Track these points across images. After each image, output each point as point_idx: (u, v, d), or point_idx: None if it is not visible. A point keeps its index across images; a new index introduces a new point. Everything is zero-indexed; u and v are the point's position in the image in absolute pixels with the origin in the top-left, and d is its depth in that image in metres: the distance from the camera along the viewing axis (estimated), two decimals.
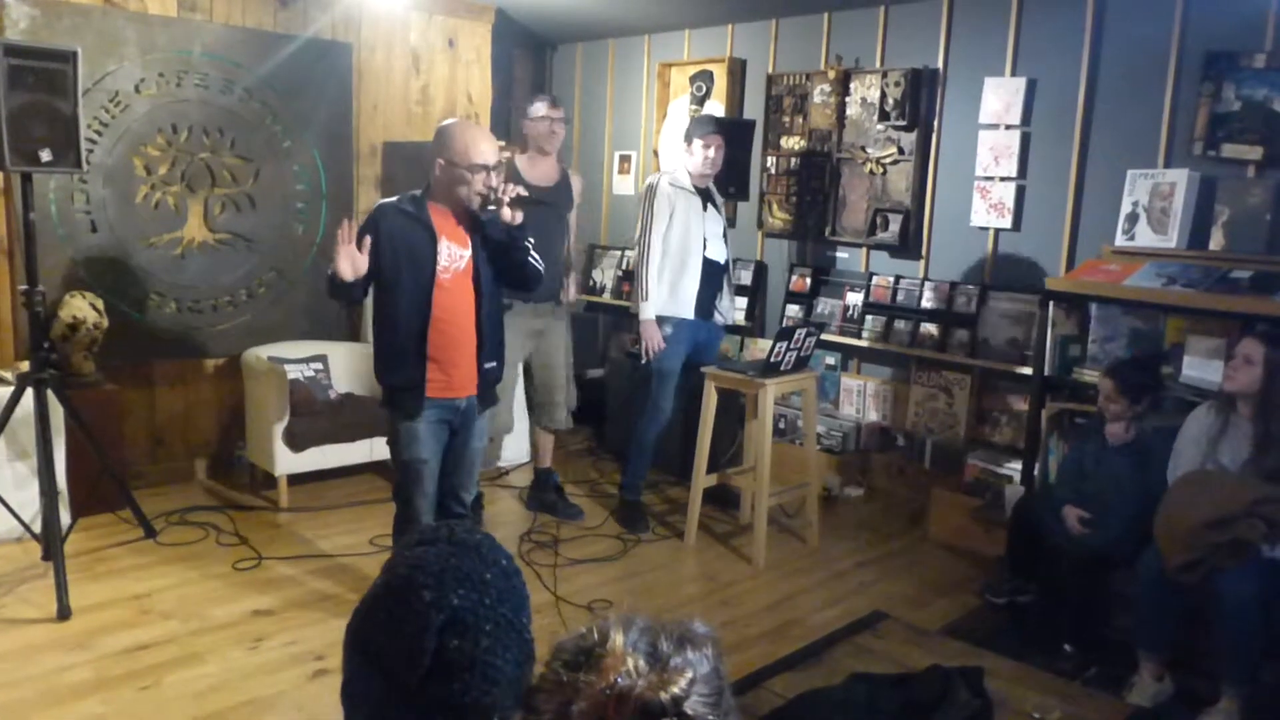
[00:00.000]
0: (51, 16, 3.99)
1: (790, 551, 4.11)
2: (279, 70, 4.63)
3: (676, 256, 4.14)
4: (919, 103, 4.57)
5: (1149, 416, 3.34)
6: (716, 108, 5.33)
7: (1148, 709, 2.87)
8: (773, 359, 3.89)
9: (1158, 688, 2.96)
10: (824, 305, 5.01)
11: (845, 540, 4.26)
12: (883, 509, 4.66)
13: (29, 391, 3.40)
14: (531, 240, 3.02)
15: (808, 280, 5.09)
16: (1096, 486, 3.32)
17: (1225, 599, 2.75)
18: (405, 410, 2.97)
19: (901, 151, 4.64)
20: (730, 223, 5.36)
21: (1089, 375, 3.72)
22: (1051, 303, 3.81)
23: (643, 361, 4.20)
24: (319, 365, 4.64)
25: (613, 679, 0.86)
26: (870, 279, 4.81)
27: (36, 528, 3.60)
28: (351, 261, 2.78)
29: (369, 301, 3.08)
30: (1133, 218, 3.82)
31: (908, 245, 4.67)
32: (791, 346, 3.92)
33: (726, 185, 4.65)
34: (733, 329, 5.29)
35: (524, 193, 2.96)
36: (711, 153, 4.13)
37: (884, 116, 4.64)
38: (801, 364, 4.06)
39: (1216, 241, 3.66)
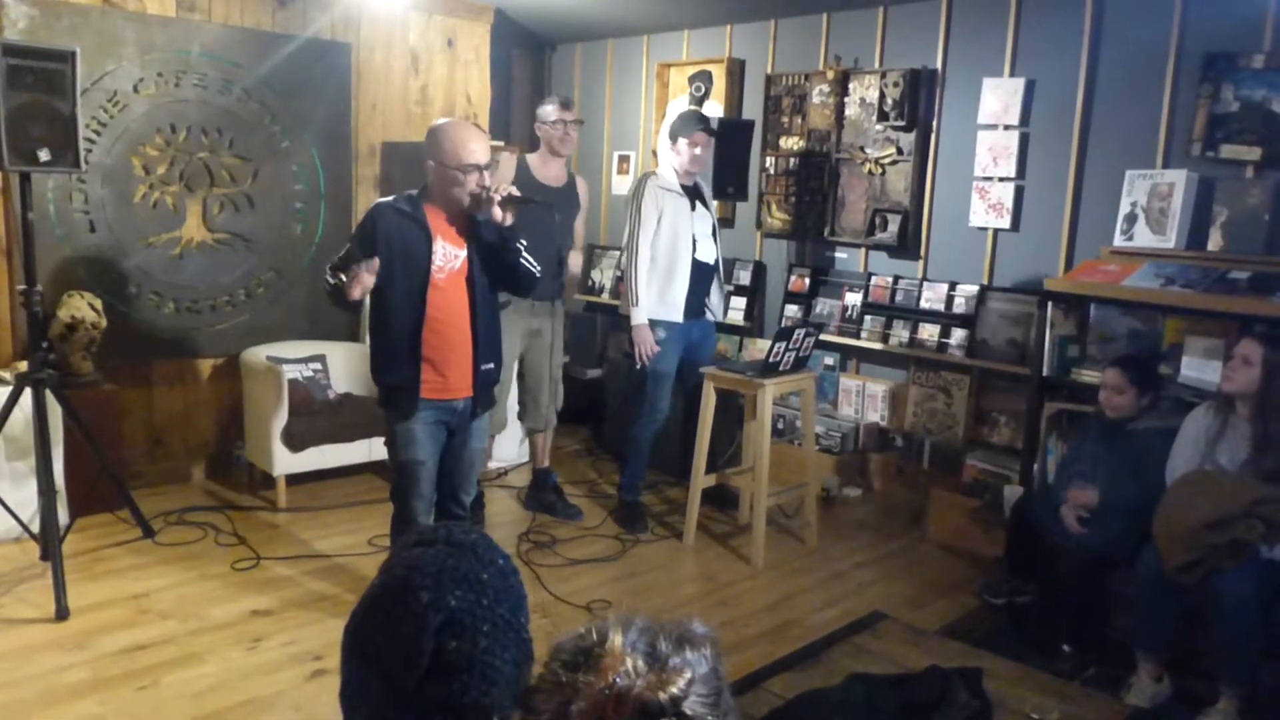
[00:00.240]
0: (50, 16, 3.98)
1: (789, 552, 4.11)
2: (278, 70, 4.63)
3: (665, 260, 4.12)
4: (918, 103, 4.57)
5: (1150, 414, 3.34)
6: (715, 108, 5.33)
7: (1146, 709, 2.87)
8: (771, 359, 3.89)
9: (1156, 688, 2.96)
10: (823, 305, 5.01)
11: (844, 541, 4.26)
12: (881, 509, 4.66)
13: (27, 391, 3.39)
14: (524, 242, 2.99)
15: (806, 280, 5.09)
16: (1094, 485, 3.32)
17: (1224, 599, 2.75)
18: (401, 411, 2.97)
19: (900, 152, 4.64)
20: (729, 223, 5.38)
21: (1088, 376, 3.72)
22: (1050, 303, 3.81)
23: (637, 367, 4.20)
24: (318, 365, 4.64)
25: (611, 679, 0.86)
26: (869, 279, 4.81)
27: (35, 528, 3.60)
28: (364, 286, 2.80)
29: (367, 301, 3.07)
30: (1131, 218, 3.82)
31: (906, 246, 4.67)
32: (790, 347, 3.92)
33: (725, 185, 4.64)
34: (732, 329, 5.31)
35: (516, 192, 2.94)
36: (699, 151, 4.10)
37: (883, 117, 4.64)
38: (800, 364, 4.06)
39: (1215, 242, 3.67)
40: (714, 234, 4.30)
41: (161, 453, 4.56)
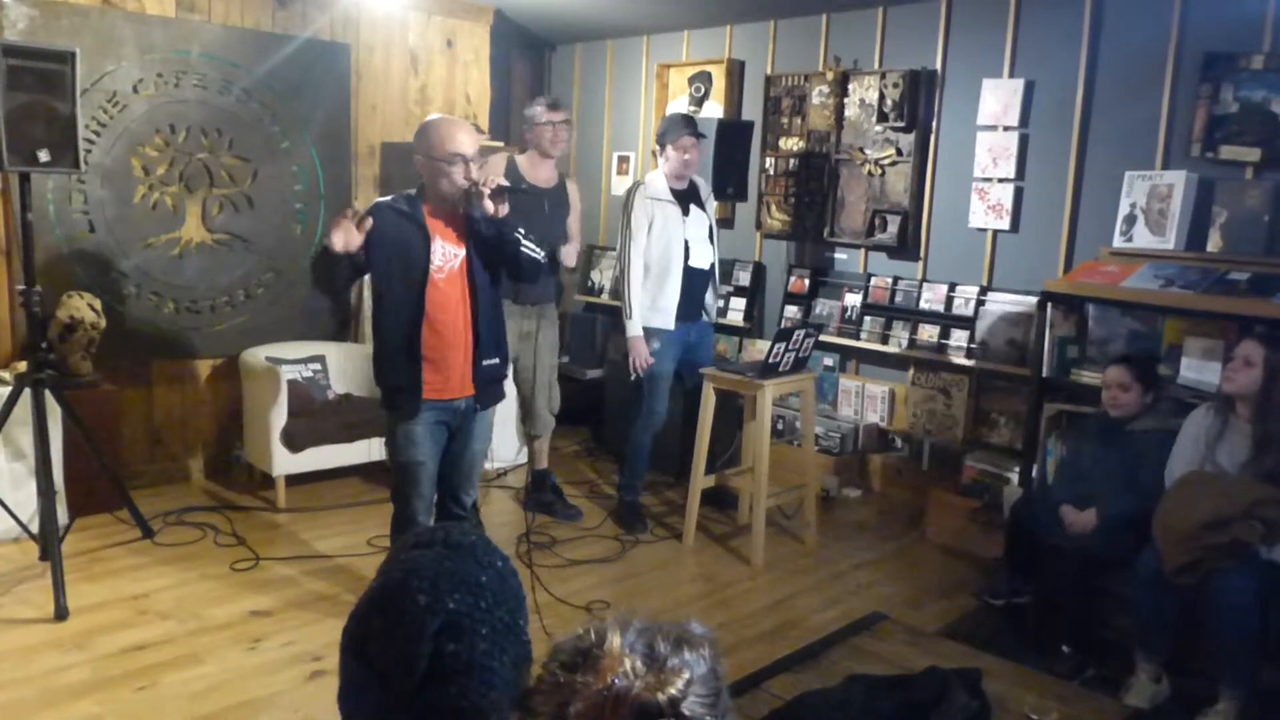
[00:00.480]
0: (50, 17, 3.98)
1: (788, 552, 4.11)
2: (277, 71, 4.63)
3: (657, 268, 4.12)
4: (917, 104, 4.57)
5: (1151, 414, 3.34)
6: (715, 109, 5.33)
7: (1145, 710, 2.87)
8: (771, 360, 3.89)
9: (1155, 689, 2.96)
10: (822, 306, 5.01)
11: (843, 541, 4.26)
12: (881, 510, 4.66)
13: (27, 392, 3.39)
14: (522, 230, 2.97)
15: (806, 281, 5.09)
16: (1093, 486, 3.32)
17: (1223, 600, 2.75)
18: (403, 411, 2.96)
19: (900, 153, 4.64)
20: (729, 224, 5.38)
21: (1087, 376, 3.72)
22: (1050, 304, 3.81)
23: (632, 378, 4.19)
24: (317, 365, 4.64)
25: (610, 680, 0.86)
26: (869, 280, 4.81)
27: (34, 528, 3.60)
28: (345, 235, 2.71)
29: (368, 301, 3.06)
30: (1131, 219, 3.82)
31: (906, 246, 4.67)
32: (790, 347, 3.92)
33: (725, 186, 4.64)
34: (731, 330, 5.31)
35: (504, 182, 2.92)
36: (687, 156, 4.09)
37: (882, 118, 4.64)
38: (800, 365, 4.06)
39: (1214, 243, 3.67)
40: (710, 237, 4.28)
41: (161, 453, 4.56)
